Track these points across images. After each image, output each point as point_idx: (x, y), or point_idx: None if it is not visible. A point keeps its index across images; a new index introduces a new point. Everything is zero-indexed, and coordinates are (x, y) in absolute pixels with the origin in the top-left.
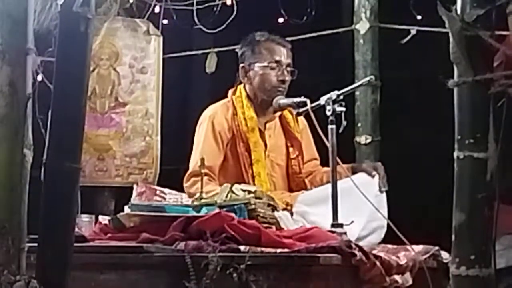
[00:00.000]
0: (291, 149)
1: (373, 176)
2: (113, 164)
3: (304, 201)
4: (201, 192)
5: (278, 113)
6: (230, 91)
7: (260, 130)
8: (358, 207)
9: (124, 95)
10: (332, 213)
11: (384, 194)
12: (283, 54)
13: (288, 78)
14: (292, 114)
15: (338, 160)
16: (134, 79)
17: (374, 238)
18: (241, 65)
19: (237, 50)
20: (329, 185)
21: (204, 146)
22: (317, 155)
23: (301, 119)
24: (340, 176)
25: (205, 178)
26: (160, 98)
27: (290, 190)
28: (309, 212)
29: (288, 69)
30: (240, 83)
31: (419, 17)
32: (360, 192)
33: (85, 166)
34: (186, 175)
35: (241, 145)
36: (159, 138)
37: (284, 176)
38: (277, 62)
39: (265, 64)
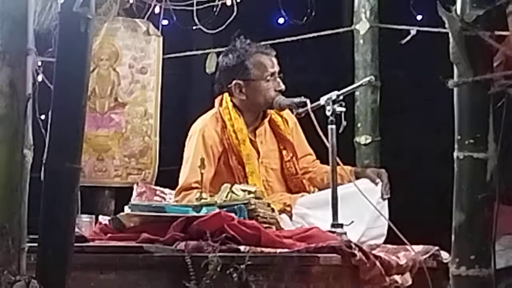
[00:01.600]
0: (284, 152)
1: (376, 184)
2: (112, 164)
3: (305, 204)
4: (201, 192)
5: (267, 118)
6: (217, 101)
7: (250, 139)
8: (359, 213)
9: (124, 96)
10: (332, 214)
11: (386, 203)
12: (274, 64)
13: (282, 86)
14: (281, 116)
15: (338, 160)
16: (134, 79)
17: None
18: (234, 82)
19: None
20: (330, 190)
21: (194, 160)
22: (310, 150)
23: (290, 117)
24: (342, 179)
25: (195, 191)
26: (159, 99)
27: (289, 191)
28: (309, 214)
29: (280, 76)
30: (224, 92)
31: (419, 18)
32: (364, 197)
33: (84, 166)
34: (176, 190)
35: (233, 158)
36: (157, 138)
37: (280, 179)
38: (271, 74)
39: (263, 81)
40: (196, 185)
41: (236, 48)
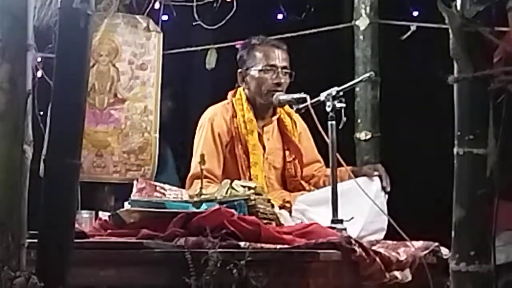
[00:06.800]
0: (287, 153)
1: (374, 177)
2: (111, 160)
3: (305, 201)
4: (201, 188)
5: (276, 116)
6: (230, 93)
7: (258, 133)
8: (358, 208)
9: (123, 92)
10: (332, 210)
11: (384, 198)
12: (278, 57)
13: (283, 80)
14: (290, 117)
15: (338, 156)
16: (134, 75)
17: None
18: (239, 70)
19: (237, 46)
20: (330, 187)
21: (203, 149)
22: (319, 157)
23: (300, 121)
24: (340, 180)
25: (204, 180)
26: (159, 95)
27: (287, 192)
28: (309, 210)
29: (284, 71)
30: (239, 86)
31: (416, 14)
32: (363, 192)
33: (83, 162)
34: (188, 178)
35: (240, 147)
36: (157, 134)
37: (280, 179)
38: (271, 65)
39: (260, 68)
40: (205, 173)
41: (248, 41)
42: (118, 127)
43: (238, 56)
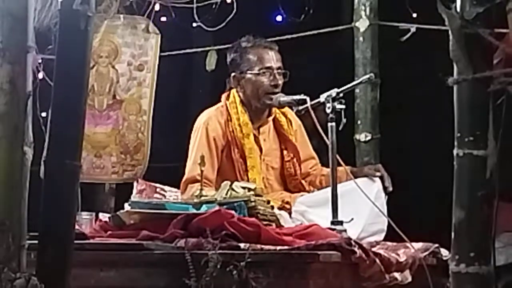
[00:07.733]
0: (285, 152)
1: (376, 177)
2: (109, 161)
3: (305, 203)
4: (201, 189)
5: (272, 117)
6: (224, 96)
7: (254, 135)
8: (358, 210)
9: (121, 93)
10: (332, 211)
11: (385, 199)
12: (272, 59)
13: (280, 82)
14: (285, 116)
15: (338, 157)
16: (131, 76)
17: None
18: (233, 74)
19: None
20: (330, 189)
21: (198, 154)
22: (314, 154)
23: (295, 119)
24: (340, 180)
25: (198, 185)
26: (154, 95)
27: (288, 192)
28: (308, 211)
29: (279, 71)
30: (232, 88)
31: (415, 15)
32: (363, 193)
33: (83, 163)
34: (182, 182)
35: (236, 151)
36: (150, 135)
37: (279, 179)
38: (267, 68)
39: (256, 71)
40: (199, 177)
41: (237, 44)
42: (116, 128)
43: (229, 60)
